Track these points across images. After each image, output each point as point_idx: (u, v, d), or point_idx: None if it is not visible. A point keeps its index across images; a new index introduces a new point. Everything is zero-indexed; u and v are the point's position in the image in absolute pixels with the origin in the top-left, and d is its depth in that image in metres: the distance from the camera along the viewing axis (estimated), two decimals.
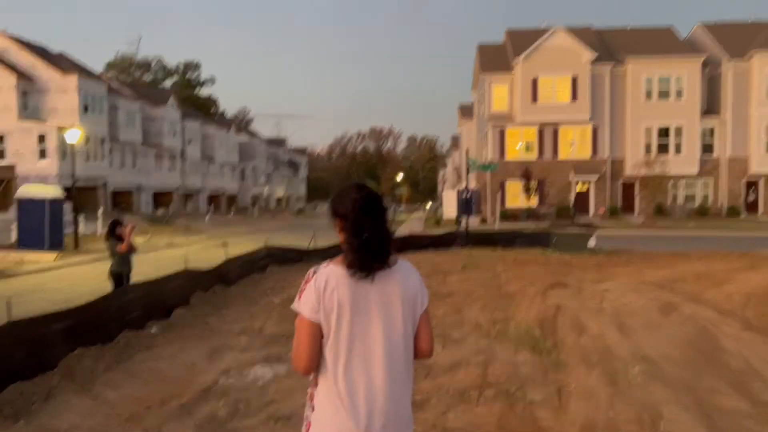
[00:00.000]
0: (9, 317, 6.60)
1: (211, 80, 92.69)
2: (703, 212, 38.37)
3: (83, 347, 7.94)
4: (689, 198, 39.37)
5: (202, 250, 23.17)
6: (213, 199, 62.77)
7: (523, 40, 40.29)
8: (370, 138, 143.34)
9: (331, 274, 2.13)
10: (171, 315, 10.31)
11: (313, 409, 2.20)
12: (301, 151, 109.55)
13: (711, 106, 39.78)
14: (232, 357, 7.61)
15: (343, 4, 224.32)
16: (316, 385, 2.19)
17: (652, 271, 13.96)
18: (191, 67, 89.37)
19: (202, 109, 78.78)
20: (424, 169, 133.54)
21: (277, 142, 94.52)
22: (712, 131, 39.12)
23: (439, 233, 23.47)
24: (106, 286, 14.39)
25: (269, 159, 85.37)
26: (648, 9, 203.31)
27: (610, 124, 39.13)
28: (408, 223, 45.56)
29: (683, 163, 38.18)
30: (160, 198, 51.05)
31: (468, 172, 20.94)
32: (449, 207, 45.41)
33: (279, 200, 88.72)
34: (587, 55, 38.36)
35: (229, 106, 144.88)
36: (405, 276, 2.18)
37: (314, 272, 2.18)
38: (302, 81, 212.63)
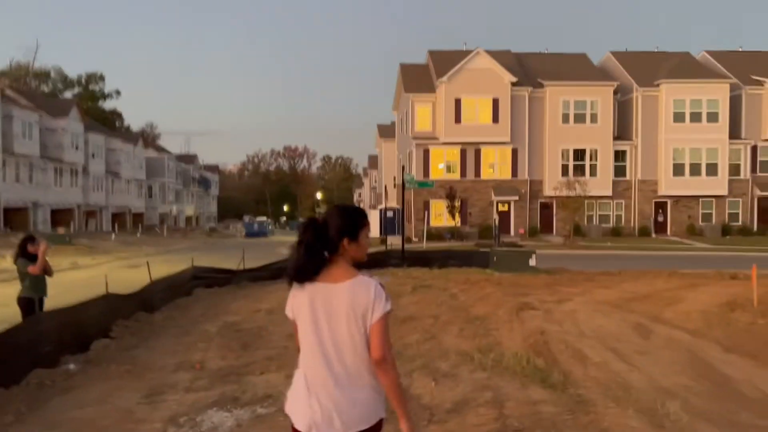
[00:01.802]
0: None
1: (116, 93, 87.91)
2: (616, 232, 39.83)
3: None
4: (603, 218, 40.80)
5: (111, 271, 21.10)
6: (118, 217, 58.99)
7: (445, 61, 40.61)
8: (284, 156, 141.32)
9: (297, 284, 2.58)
10: (90, 348, 8.84)
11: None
12: (213, 169, 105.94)
13: (622, 131, 41.60)
14: (175, 400, 6.35)
15: (255, 21, 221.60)
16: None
17: (599, 290, 13.75)
18: (94, 78, 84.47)
19: (106, 122, 74.42)
20: (339, 188, 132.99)
21: (187, 159, 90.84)
22: (624, 155, 40.86)
23: (371, 252, 22.65)
24: (1, 312, 12.48)
25: (179, 176, 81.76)
26: (558, 36, 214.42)
27: (529, 146, 40.01)
28: None
29: (598, 185, 39.52)
30: (60, 216, 47.20)
31: (404, 189, 20.32)
32: (372, 226, 44.81)
33: (189, 219, 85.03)
34: (508, 77, 39.15)
35: (134, 120, 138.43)
36: (354, 291, 2.49)
37: None
38: (213, 97, 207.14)
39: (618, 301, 12.09)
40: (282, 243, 45.26)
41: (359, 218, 2.59)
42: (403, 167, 25.63)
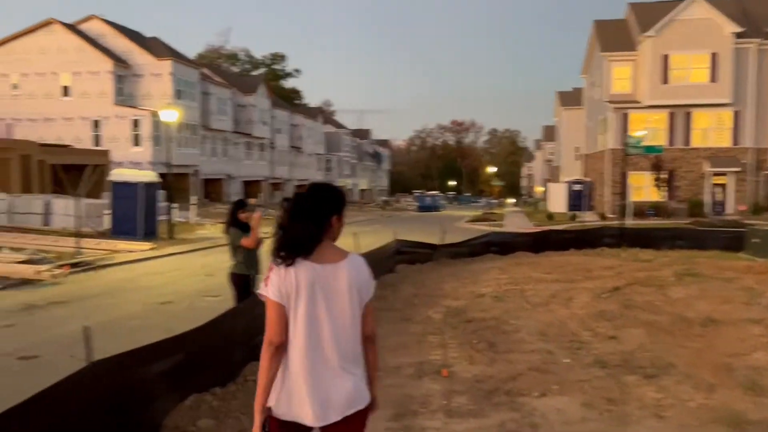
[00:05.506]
0: (90, 356, 3.81)
1: (296, 72, 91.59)
2: None
3: (197, 393, 5.20)
4: None
5: None
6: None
7: (649, 13, 35.61)
8: (450, 131, 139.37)
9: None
10: None
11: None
12: (383, 144, 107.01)
13: None
14: (438, 430, 4.58)
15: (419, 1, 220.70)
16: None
17: None
18: (278, 58, 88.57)
19: (287, 100, 77.61)
20: (506, 162, 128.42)
21: (361, 133, 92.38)
22: None
23: (581, 229, 19.91)
24: (207, 283, 11.86)
25: (353, 150, 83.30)
26: None
27: (756, 109, 33.91)
28: (509, 217, 41.81)
29: None
30: (249, 187, 49.62)
31: (627, 155, 17.30)
32: (557, 201, 41.31)
33: (363, 192, 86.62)
34: (730, 28, 33.29)
35: (310, 99, 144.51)
36: (355, 269, 2.42)
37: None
38: (384, 76, 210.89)
39: None
40: (456, 217, 43.43)
41: (343, 197, 2.55)
42: (625, 129, 22.26)
